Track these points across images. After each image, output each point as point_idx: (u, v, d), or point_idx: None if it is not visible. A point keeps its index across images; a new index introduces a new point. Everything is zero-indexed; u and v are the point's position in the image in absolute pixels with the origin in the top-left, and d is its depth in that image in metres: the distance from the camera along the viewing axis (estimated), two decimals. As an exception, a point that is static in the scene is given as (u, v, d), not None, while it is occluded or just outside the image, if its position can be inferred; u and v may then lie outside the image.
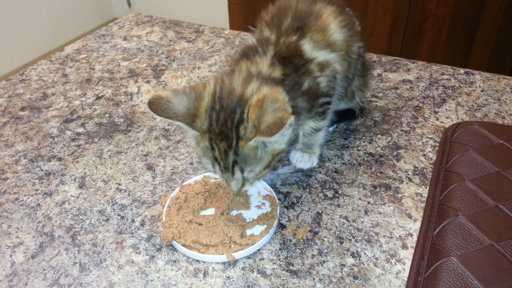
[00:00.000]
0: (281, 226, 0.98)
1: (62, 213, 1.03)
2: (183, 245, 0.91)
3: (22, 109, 1.38)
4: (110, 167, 1.15)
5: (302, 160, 1.11)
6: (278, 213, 0.97)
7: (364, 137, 1.21)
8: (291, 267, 0.89)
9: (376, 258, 0.90)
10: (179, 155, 1.17)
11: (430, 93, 1.38)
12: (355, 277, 0.86)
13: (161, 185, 1.09)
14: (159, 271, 0.89)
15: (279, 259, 0.91)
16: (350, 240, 0.94)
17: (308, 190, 1.06)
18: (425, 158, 1.13)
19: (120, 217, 1.02)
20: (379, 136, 1.21)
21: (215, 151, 0.86)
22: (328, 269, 0.88)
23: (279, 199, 1.03)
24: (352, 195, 1.04)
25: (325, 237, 0.95)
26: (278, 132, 0.78)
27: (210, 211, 1.00)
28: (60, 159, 1.18)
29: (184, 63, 1.59)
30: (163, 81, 1.48)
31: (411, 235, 0.94)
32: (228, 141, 0.84)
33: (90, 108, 1.37)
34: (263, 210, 1.00)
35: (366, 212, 1.00)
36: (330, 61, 1.00)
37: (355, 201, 1.02)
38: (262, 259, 0.91)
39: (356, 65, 1.15)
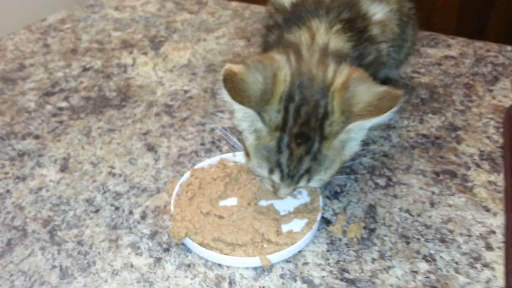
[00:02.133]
0: (326, 221, 0.75)
1: (38, 202, 0.79)
2: (200, 244, 0.68)
3: (-8, 80, 1.13)
4: (101, 147, 0.91)
5: None
6: (321, 203, 0.75)
7: (412, 116, 0.99)
8: (346, 275, 0.66)
9: (457, 263, 0.68)
10: (187, 134, 0.94)
11: (479, 70, 1.18)
12: (433, 288, 0.64)
13: (166, 169, 0.85)
14: (169, 279, 0.66)
15: (329, 264, 0.68)
16: (419, 239, 0.72)
17: (353, 177, 0.83)
18: (490, 141, 0.92)
19: (114, 207, 0.78)
20: (430, 115, 1.00)
21: (283, 155, 0.64)
22: (396, 277, 0.66)
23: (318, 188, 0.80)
24: (411, 183, 0.82)
25: (385, 235, 0.73)
26: (392, 108, 0.59)
27: (232, 201, 0.77)
28: (37, 137, 0.94)
29: (186, 34, 1.36)
30: (162, 53, 1.25)
31: (493, 232, 0.73)
32: (308, 144, 0.63)
33: (75, 81, 1.13)
34: (300, 200, 0.78)
35: (432, 205, 0.78)
36: (388, 20, 0.79)
37: (416, 191, 0.80)
38: (306, 263, 0.68)
39: (406, 29, 0.94)
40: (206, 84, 1.10)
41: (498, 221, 0.75)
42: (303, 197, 0.78)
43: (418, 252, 0.70)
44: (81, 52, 1.26)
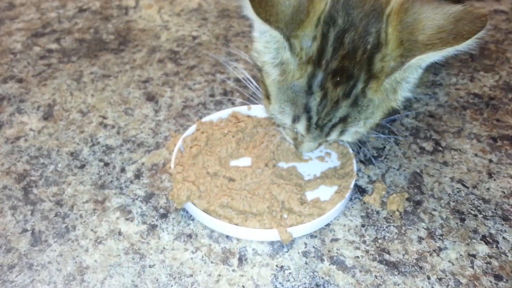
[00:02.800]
0: (360, 190, 0.61)
1: (13, 153, 0.66)
2: (205, 211, 0.55)
3: (-24, 18, 0.99)
4: (92, 94, 0.77)
5: None
6: (355, 168, 0.60)
7: (461, 74, 0.84)
8: (386, 257, 0.53)
9: (526, 248, 0.54)
10: (194, 84, 0.80)
11: (536, 26, 1.01)
12: (498, 277, 0.51)
13: (167, 122, 0.72)
14: (164, 251, 0.53)
15: (365, 242, 0.54)
16: (476, 216, 0.58)
17: (393, 139, 0.69)
18: (557, 104, 0.76)
19: (103, 163, 0.65)
20: (482, 73, 0.84)
21: (314, 97, 0.50)
22: (450, 261, 0.52)
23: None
24: (464, 149, 0.67)
25: (435, 209, 0.58)
26: (477, 32, 0.43)
27: (246, 161, 0.63)
28: (20, 80, 0.81)
29: (199, -22, 1.19)
30: (171, -5, 1.09)
31: None
32: (349, 84, 0.49)
33: (69, 22, 0.98)
34: (329, 164, 0.64)
35: (490, 175, 0.63)
36: None
37: (470, 158, 0.66)
38: (335, 239, 0.55)
39: None
40: (218, 30, 0.95)
41: None
42: (333, 161, 0.64)
43: (475, 231, 0.56)
44: (78, -8, 1.11)
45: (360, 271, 0.51)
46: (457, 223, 0.57)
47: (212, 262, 0.52)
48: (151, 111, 0.74)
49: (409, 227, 0.56)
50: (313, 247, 0.54)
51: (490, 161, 0.66)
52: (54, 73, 0.83)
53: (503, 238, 0.55)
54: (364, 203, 0.59)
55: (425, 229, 0.56)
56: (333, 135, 0.53)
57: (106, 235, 0.55)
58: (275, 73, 0.51)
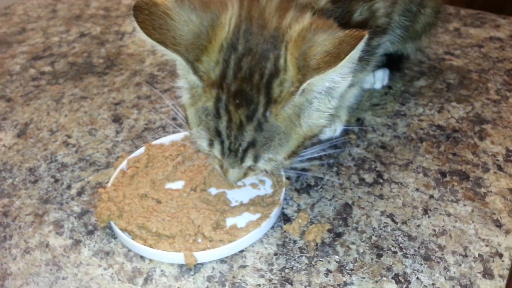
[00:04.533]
0: (285, 219, 0.61)
1: (-20, 166, 0.73)
2: (123, 230, 0.58)
3: (-10, 42, 1.10)
4: (66, 115, 0.83)
5: None
6: (282, 197, 0.61)
7: (431, 104, 0.82)
8: (287, 287, 0.53)
9: (438, 290, 0.52)
10: (161, 107, 0.84)
11: (530, 56, 0.96)
12: (398, 319, 0.49)
13: (124, 143, 0.76)
14: (79, 266, 0.56)
15: (271, 271, 0.55)
16: (395, 253, 0.56)
17: (336, 169, 0.68)
18: (525, 140, 0.72)
19: (54, 180, 0.70)
20: (454, 104, 0.82)
21: (221, 120, 0.52)
22: (351, 298, 0.51)
23: (287, 178, 0.66)
24: (406, 183, 0.66)
25: (353, 243, 0.57)
26: (350, 53, 0.45)
27: (180, 185, 0.65)
28: (8, 100, 0.89)
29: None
30: (167, 21, 1.15)
31: (500, 255, 0.55)
32: (250, 107, 0.51)
33: (68, 46, 1.07)
34: (260, 191, 0.65)
35: (426, 211, 0.61)
36: None
37: (410, 193, 0.64)
38: (243, 266, 0.55)
39: None
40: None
41: (509, 241, 0.57)
42: (265, 188, 0.65)
43: (389, 269, 0.54)
44: (85, 18, 1.20)
45: (257, 300, 0.52)
46: (372, 259, 0.56)
47: (119, 280, 0.55)
48: (113, 132, 0.79)
49: (320, 259, 0.56)
50: (220, 272, 0.55)
51: (431, 197, 0.64)
52: (39, 93, 0.90)
53: (417, 278, 0.53)
54: (285, 231, 0.59)
55: (336, 262, 0.55)
56: (248, 161, 0.54)
57: (35, 246, 0.59)
58: (188, 97, 0.54)
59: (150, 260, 0.56)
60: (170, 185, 0.65)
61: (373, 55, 0.69)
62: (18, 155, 0.75)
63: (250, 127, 0.51)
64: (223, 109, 0.51)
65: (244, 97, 0.50)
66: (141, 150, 0.71)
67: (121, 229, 0.58)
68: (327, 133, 0.74)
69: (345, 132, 0.75)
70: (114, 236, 0.60)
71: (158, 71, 0.95)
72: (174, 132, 0.76)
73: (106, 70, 0.96)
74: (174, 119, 0.81)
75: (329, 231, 0.59)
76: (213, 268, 0.55)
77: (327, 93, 0.51)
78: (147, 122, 0.81)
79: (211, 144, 0.54)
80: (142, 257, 0.57)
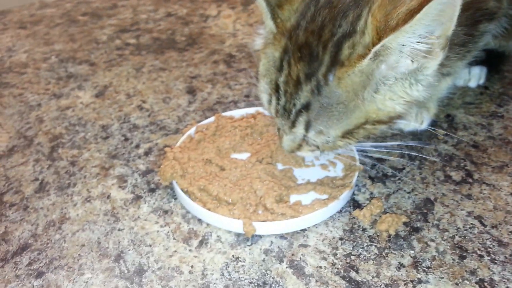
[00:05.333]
0: (355, 205, 0.56)
1: (59, 118, 0.75)
2: (185, 191, 0.55)
3: (84, 14, 1.16)
4: (143, 82, 0.84)
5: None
6: (354, 181, 0.56)
7: (534, 108, 0.72)
8: (352, 274, 0.47)
9: (534, 305, 0.43)
10: (235, 84, 0.82)
11: None
12: (481, 330, 0.42)
13: (195, 113, 0.74)
14: (137, 220, 0.55)
15: (335, 255, 0.49)
16: (482, 257, 0.48)
17: (418, 163, 0.62)
18: None
19: (124, 138, 0.70)
20: None
21: (282, 74, 0.49)
22: (425, 296, 0.45)
23: (363, 164, 0.61)
24: (499, 185, 0.58)
25: (433, 240, 0.51)
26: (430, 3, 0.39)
27: (246, 156, 0.62)
28: (92, 64, 0.92)
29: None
30: (251, 8, 1.15)
31: None
32: (312, 65, 0.47)
33: (154, 23, 1.09)
34: (331, 173, 0.60)
35: (521, 218, 0.53)
36: None
37: (503, 196, 0.56)
38: (304, 245, 0.51)
39: None
40: (281, 41, 0.96)
41: None
42: (336, 171, 0.60)
43: (473, 272, 0.47)
44: (173, 0, 1.22)
45: (316, 281, 0.47)
46: (453, 259, 0.48)
47: (174, 239, 0.52)
48: (185, 102, 0.78)
49: (393, 251, 0.50)
50: (278, 247, 0.51)
51: (529, 204, 0.55)
52: (122, 61, 0.92)
53: (507, 287, 0.45)
54: (353, 217, 0.54)
55: (411, 257, 0.49)
56: (299, 126, 0.49)
57: (97, 196, 0.59)
58: (262, 43, 0.51)
59: (208, 224, 0.53)
60: (235, 156, 0.62)
61: (476, 43, 0.62)
62: (94, 113, 0.76)
63: (307, 86, 0.47)
64: (286, 61, 0.48)
65: (308, 51, 0.46)
66: (211, 119, 0.68)
67: (182, 189, 0.55)
68: (412, 125, 0.67)
69: (432, 127, 0.68)
70: (174, 196, 0.58)
71: (237, 52, 0.94)
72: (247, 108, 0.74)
73: (187, 47, 0.96)
74: (246, 96, 0.79)
75: (406, 224, 0.53)
76: (272, 242, 0.51)
77: (410, 74, 0.46)
78: (220, 96, 0.79)
79: (270, 100, 0.51)
80: (199, 221, 0.54)
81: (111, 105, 0.78)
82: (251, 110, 0.70)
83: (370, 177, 0.60)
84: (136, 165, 0.64)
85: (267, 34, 0.51)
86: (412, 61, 0.45)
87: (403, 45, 0.42)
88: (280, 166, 0.60)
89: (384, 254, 0.49)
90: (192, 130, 0.66)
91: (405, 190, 0.58)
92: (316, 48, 0.45)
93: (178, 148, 0.61)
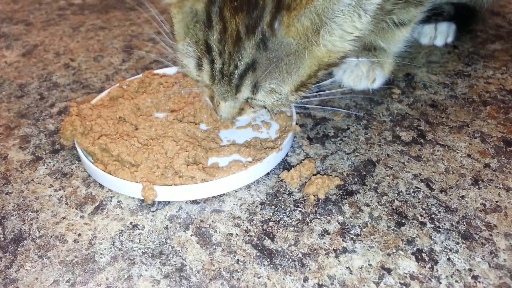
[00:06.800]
0: (286, 167, 0.48)
1: (-26, 78, 0.67)
2: (86, 151, 0.48)
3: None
4: (78, 41, 0.76)
5: (354, 72, 0.59)
6: (286, 143, 0.48)
7: (504, 68, 0.64)
8: (267, 243, 0.40)
9: (475, 277, 0.36)
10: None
11: None
12: (410, 308, 0.34)
13: (127, 72, 0.66)
14: (29, 183, 0.47)
15: (251, 221, 0.42)
16: (423, 224, 0.41)
17: (365, 122, 0.54)
18: None
19: (40, 97, 0.62)
20: (535, 70, 0.63)
21: (213, 31, 0.40)
22: (348, 268, 0.37)
23: (300, 124, 0.53)
24: (455, 146, 0.50)
25: (367, 205, 0.43)
26: None
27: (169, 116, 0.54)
28: (28, 24, 0.83)
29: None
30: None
31: None
32: (252, 14, 0.38)
33: (105, -16, 1.00)
34: (262, 134, 0.52)
35: (476, 181, 0.45)
36: None
37: (458, 158, 0.48)
38: (218, 211, 0.43)
39: None
40: None
41: None
42: (269, 132, 0.52)
43: (410, 242, 0.39)
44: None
45: (223, 251, 0.39)
46: (388, 227, 0.41)
47: (66, 204, 0.44)
48: (119, 60, 0.70)
49: (318, 217, 0.42)
50: (187, 213, 0.43)
51: (486, 166, 0.47)
52: (61, 21, 0.84)
53: (448, 259, 0.38)
54: (281, 180, 0.46)
55: (339, 223, 0.41)
56: (245, 91, 0.42)
57: (-8, 158, 0.51)
58: None
59: (109, 189, 0.46)
60: (158, 115, 0.54)
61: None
62: (15, 71, 0.68)
63: (250, 42, 0.39)
64: (216, 14, 0.39)
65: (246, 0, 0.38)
66: (139, 76, 0.60)
67: (82, 149, 0.47)
68: (362, 83, 0.59)
69: (387, 86, 0.60)
70: (79, 158, 0.50)
71: (188, 12, 0.85)
72: (184, 67, 0.66)
73: (135, 7, 0.88)
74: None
75: (339, 187, 0.45)
76: (180, 208, 0.44)
77: (357, 5, 0.38)
78: (160, 54, 0.71)
79: (199, 64, 0.43)
80: (101, 185, 0.46)
81: (36, 64, 0.70)
82: (186, 67, 0.62)
83: (308, 138, 0.52)
84: (45, 124, 0.56)
85: None
86: None
87: None
88: (204, 127, 0.52)
89: (308, 220, 0.42)
90: (115, 86, 0.58)
91: (345, 151, 0.50)
92: None
93: (89, 105, 0.53)
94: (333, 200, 0.44)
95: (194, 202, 0.44)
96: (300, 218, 0.42)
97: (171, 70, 0.62)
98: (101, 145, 0.47)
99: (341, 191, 0.45)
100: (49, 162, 0.50)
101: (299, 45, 0.40)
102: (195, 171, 0.44)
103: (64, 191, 0.46)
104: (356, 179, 0.46)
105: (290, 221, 0.42)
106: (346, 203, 0.43)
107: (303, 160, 0.48)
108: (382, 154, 0.49)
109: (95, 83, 0.64)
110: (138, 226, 0.42)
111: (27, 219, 0.43)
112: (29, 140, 0.53)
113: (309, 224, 0.41)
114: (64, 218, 0.43)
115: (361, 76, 0.59)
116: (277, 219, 0.42)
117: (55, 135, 0.54)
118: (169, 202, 0.44)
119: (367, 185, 0.45)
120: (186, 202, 0.44)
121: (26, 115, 0.58)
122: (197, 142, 0.49)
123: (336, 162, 0.48)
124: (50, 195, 0.46)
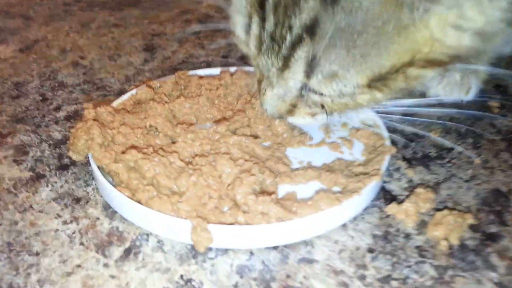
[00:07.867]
0: (387, 197, 0.35)
1: (-43, 74, 0.53)
2: (105, 170, 0.34)
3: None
4: (88, 38, 0.63)
5: (445, 78, 0.46)
6: (384, 168, 0.34)
7: None
8: (396, 313, 0.26)
9: None
10: (211, 44, 0.61)
11: None
12: None
13: (152, 73, 0.53)
14: (27, 211, 0.33)
15: (363, 278, 0.28)
16: None
17: (471, 140, 0.41)
18: None
19: (41, 98, 0.48)
20: None
21: None
22: None
23: (394, 142, 0.40)
24: None
25: (524, 255, 0.29)
26: None
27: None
28: (28, 18, 0.70)
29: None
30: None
31: None
32: None
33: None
34: (345, 155, 0.38)
35: None
36: None
37: None
38: (309, 261, 0.29)
39: None
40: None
41: None
42: (353, 153, 0.39)
43: None
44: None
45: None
46: None
47: (81, 244, 0.30)
48: (140, 60, 0.57)
49: (462, 274, 0.28)
50: (263, 263, 0.29)
51: None
52: (66, 17, 0.71)
53: None
54: (388, 216, 0.33)
55: (495, 284, 0.28)
56: (296, 68, 0.30)
57: (-25, 174, 0.37)
58: None
59: (137, 226, 0.32)
60: (199, 126, 0.41)
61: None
62: (11, 68, 0.55)
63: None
64: None
65: None
66: (171, 77, 0.47)
67: (100, 167, 0.33)
68: (455, 92, 0.47)
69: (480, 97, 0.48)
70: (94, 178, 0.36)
71: (216, 13, 0.73)
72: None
73: (153, 5, 0.76)
74: (224, 56, 0.58)
75: (473, 228, 0.32)
76: (251, 254, 0.30)
77: None
78: (188, 56, 0.58)
79: (248, 25, 0.31)
80: (125, 220, 0.32)
81: (36, 60, 0.57)
82: (232, 69, 0.49)
83: (405, 159, 0.39)
84: (49, 132, 0.42)
85: None
86: None
87: None
88: (268, 144, 0.39)
89: (447, 278, 0.28)
90: (139, 89, 0.45)
91: (460, 178, 0.37)
92: None
93: (109, 108, 0.39)
94: (472, 247, 0.30)
95: (272, 248, 0.30)
96: (436, 275, 0.28)
97: (207, 71, 0.49)
98: (129, 162, 0.33)
99: (477, 234, 0.31)
100: (55, 182, 0.36)
101: (388, 14, 0.27)
102: (269, 204, 0.30)
103: (78, 225, 0.32)
104: (491, 217, 0.33)
105: (422, 279, 0.28)
106: (491, 252, 0.30)
107: (411, 188, 0.35)
108: (510, 182, 0.36)
109: (113, 84, 0.51)
110: (192, 281, 0.28)
111: (23, 266, 0.29)
112: (26, 151, 0.39)
113: (451, 285, 0.28)
114: (78, 266, 0.29)
115: (453, 83, 0.47)
116: (402, 277, 0.28)
117: (63, 146, 0.40)
118: (226, 249, 0.30)
119: (509, 225, 0.32)
120: (262, 248, 0.30)
121: (23, 119, 0.44)
122: (262, 162, 0.35)
123: (455, 192, 0.35)
124: (57, 229, 0.31)
